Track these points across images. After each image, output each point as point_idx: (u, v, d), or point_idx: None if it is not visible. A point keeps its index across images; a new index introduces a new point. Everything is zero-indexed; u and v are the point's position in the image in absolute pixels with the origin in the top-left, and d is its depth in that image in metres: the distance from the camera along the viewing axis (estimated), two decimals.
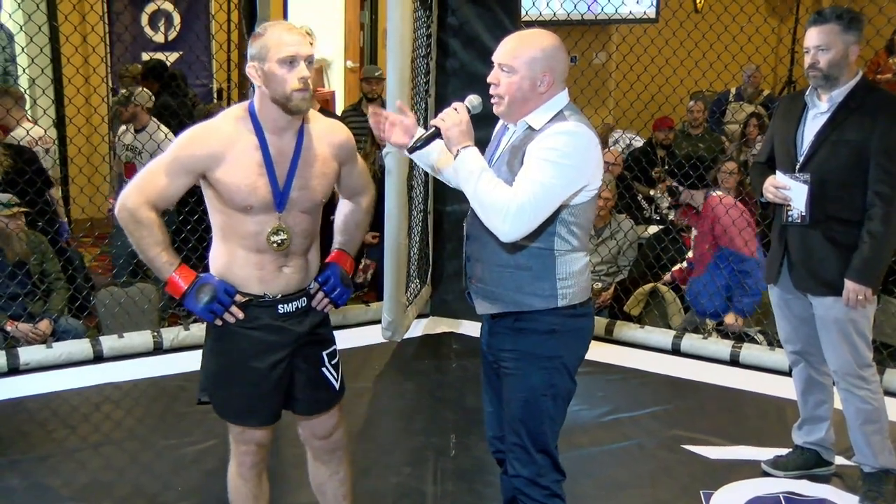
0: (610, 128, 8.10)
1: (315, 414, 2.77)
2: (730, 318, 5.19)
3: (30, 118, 6.37)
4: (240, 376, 2.61)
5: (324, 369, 2.73)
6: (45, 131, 6.10)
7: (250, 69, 2.49)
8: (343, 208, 2.84)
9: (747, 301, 5.17)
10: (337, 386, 2.78)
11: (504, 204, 2.40)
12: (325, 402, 2.78)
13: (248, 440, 2.69)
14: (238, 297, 2.56)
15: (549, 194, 2.41)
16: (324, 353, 2.73)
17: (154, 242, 2.51)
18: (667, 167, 7.30)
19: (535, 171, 2.41)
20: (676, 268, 5.68)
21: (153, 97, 6.03)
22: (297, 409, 2.76)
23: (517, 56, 2.50)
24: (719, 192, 5.39)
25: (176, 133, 5.76)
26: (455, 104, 2.55)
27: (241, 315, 2.56)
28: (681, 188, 5.20)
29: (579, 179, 2.47)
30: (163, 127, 6.01)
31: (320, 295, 2.70)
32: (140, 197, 2.49)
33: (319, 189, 2.60)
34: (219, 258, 2.61)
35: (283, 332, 2.61)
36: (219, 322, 2.57)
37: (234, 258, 2.57)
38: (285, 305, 2.61)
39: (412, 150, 2.63)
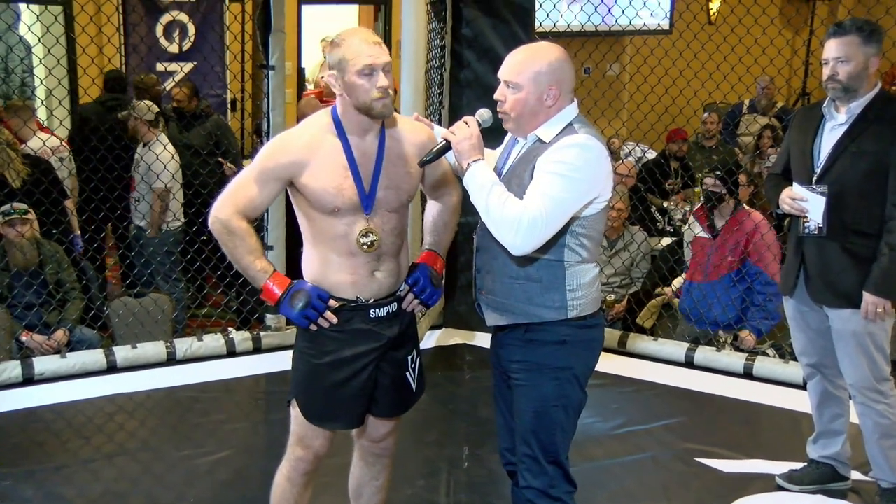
0: (622, 140, 8.10)
1: (394, 416, 2.81)
2: (745, 335, 5.14)
3: (45, 128, 6.40)
4: (329, 379, 2.63)
5: (406, 373, 2.77)
6: (62, 142, 6.13)
7: (330, 78, 2.55)
8: (431, 208, 2.84)
9: (766, 324, 5.11)
10: (415, 388, 2.81)
11: (516, 218, 2.40)
12: (404, 405, 2.82)
13: (309, 445, 2.71)
14: (332, 303, 2.59)
15: (559, 208, 2.41)
16: (408, 357, 2.77)
17: (247, 251, 2.56)
18: (680, 179, 7.28)
19: (546, 184, 2.41)
20: (678, 285, 5.59)
21: (151, 109, 6.06)
22: (377, 411, 2.78)
23: (522, 72, 2.50)
24: (749, 208, 5.33)
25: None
26: (466, 118, 2.56)
27: (334, 320, 2.59)
28: (724, 193, 5.15)
29: (590, 192, 2.47)
30: (169, 147, 6.00)
31: (410, 296, 2.71)
32: (231, 208, 2.56)
33: (405, 188, 2.63)
34: (311, 264, 2.64)
35: (374, 336, 2.64)
36: (313, 327, 2.60)
37: (328, 264, 2.60)
38: (378, 310, 2.64)
39: (423, 163, 2.63)
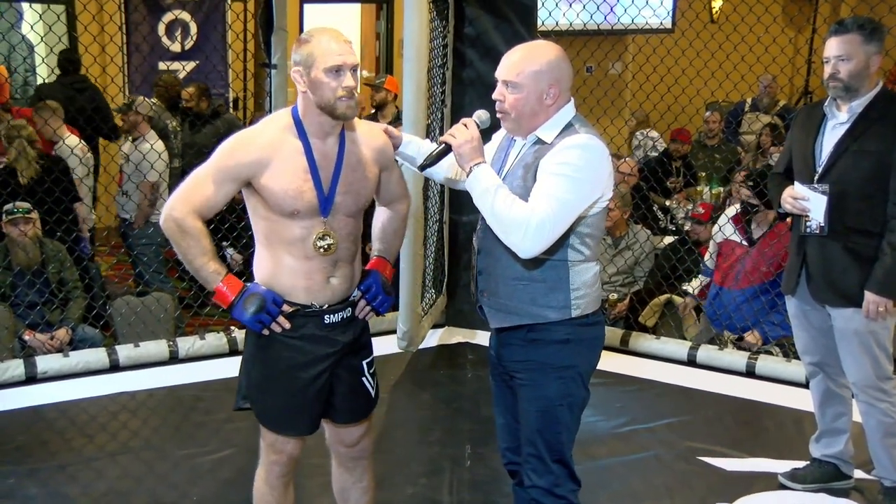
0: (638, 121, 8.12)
1: (353, 422, 2.79)
2: (751, 338, 5.13)
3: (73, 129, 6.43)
4: (283, 386, 2.61)
5: (363, 378, 2.74)
6: (80, 140, 6.14)
7: (295, 74, 2.51)
8: (381, 215, 2.83)
9: (776, 330, 5.05)
10: (373, 394, 2.79)
11: (523, 221, 2.40)
12: (363, 411, 2.79)
13: (280, 450, 2.70)
14: (285, 308, 2.56)
15: (566, 209, 2.41)
16: (363, 363, 2.75)
17: (201, 252, 2.52)
18: (682, 178, 7.28)
19: (551, 186, 2.41)
20: (698, 288, 5.49)
21: (153, 106, 6.08)
22: (335, 417, 2.76)
23: (521, 72, 2.49)
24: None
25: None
26: (464, 120, 2.55)
27: (287, 325, 2.56)
28: (759, 205, 5.07)
29: (594, 192, 2.47)
30: (157, 144, 6.01)
31: (363, 303, 2.69)
32: (186, 206, 2.50)
33: (363, 193, 2.61)
34: (264, 266, 2.61)
35: (328, 342, 2.62)
36: (266, 332, 2.57)
37: (281, 267, 2.57)
38: (331, 316, 2.61)
39: (423, 167, 2.62)
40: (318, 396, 2.65)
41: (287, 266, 2.56)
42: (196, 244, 2.50)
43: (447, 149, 2.54)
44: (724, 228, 5.28)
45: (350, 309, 2.66)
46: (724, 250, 5.27)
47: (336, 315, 2.62)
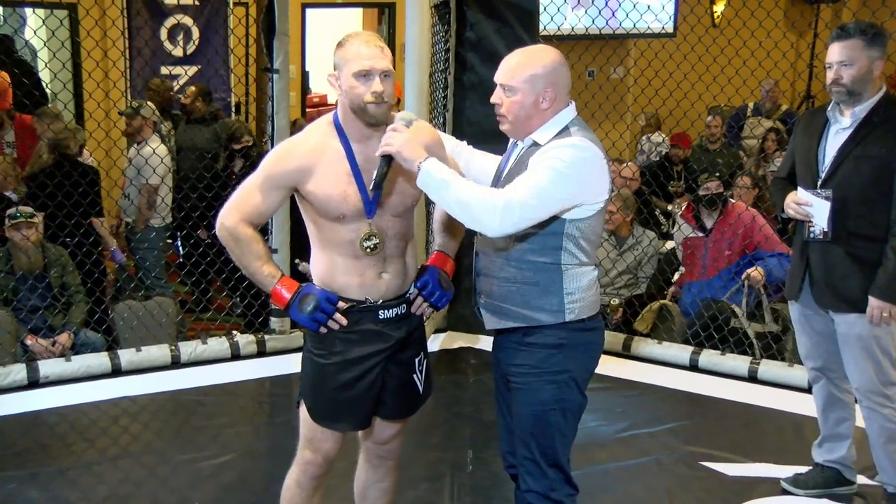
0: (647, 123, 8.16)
1: (401, 418, 2.81)
2: (753, 272, 5.09)
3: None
4: (337, 380, 2.63)
5: (414, 375, 2.76)
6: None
7: (330, 78, 2.55)
8: (439, 210, 2.81)
9: (779, 269, 5.05)
10: (422, 390, 2.81)
11: (492, 199, 2.40)
12: (411, 407, 2.81)
13: (318, 448, 2.70)
14: (340, 304, 2.58)
15: (542, 197, 2.40)
16: (416, 359, 2.76)
17: (255, 257, 2.57)
18: (684, 182, 7.28)
19: (534, 174, 2.42)
20: (675, 280, 5.71)
21: (155, 111, 6.08)
22: (384, 413, 2.77)
23: (517, 75, 2.51)
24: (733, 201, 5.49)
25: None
26: (392, 125, 2.49)
27: (344, 322, 2.59)
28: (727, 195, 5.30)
29: (579, 192, 2.46)
30: (159, 148, 6.03)
31: (419, 300, 2.70)
32: (237, 215, 2.56)
33: (409, 192, 2.61)
34: (319, 267, 2.64)
35: (382, 338, 2.64)
36: (323, 330, 2.59)
37: (335, 266, 2.60)
38: (386, 311, 2.63)
39: (375, 187, 2.53)
40: (370, 391, 2.66)
41: (340, 265, 2.59)
42: (249, 250, 2.56)
43: (389, 159, 2.49)
44: (684, 228, 5.51)
45: (405, 305, 2.68)
46: (685, 249, 5.48)
47: (391, 311, 2.64)
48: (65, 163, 5.56)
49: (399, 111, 2.58)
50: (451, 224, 2.79)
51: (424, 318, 2.78)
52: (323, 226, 2.58)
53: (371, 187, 2.51)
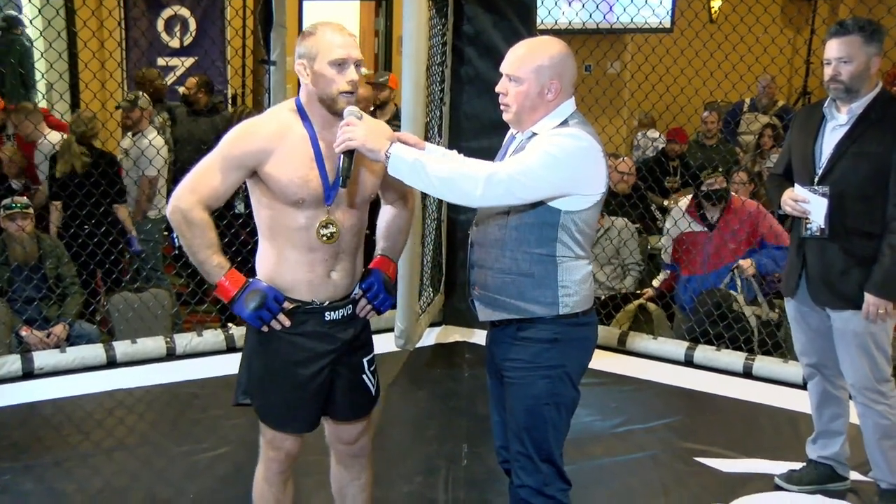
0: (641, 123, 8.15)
1: (353, 420, 2.78)
2: (745, 263, 5.18)
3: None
4: (283, 382, 2.61)
5: (363, 376, 2.74)
6: (63, 135, 6.14)
7: (298, 66, 2.51)
8: (385, 213, 2.81)
9: (770, 263, 5.15)
10: (374, 392, 2.79)
11: (474, 170, 2.40)
12: (363, 408, 2.79)
13: (279, 447, 2.70)
14: (286, 304, 2.55)
15: (530, 176, 2.39)
16: (364, 360, 2.74)
17: (205, 244, 2.50)
18: (680, 177, 7.28)
19: (527, 155, 2.43)
20: (660, 281, 5.71)
21: (151, 102, 6.08)
22: (336, 415, 2.75)
23: (524, 66, 2.51)
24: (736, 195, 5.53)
25: None
26: (345, 121, 2.45)
27: (287, 323, 2.56)
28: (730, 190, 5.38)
29: (569, 183, 2.45)
30: (156, 139, 6.03)
31: (363, 302, 2.68)
32: (193, 196, 2.48)
33: (367, 184, 2.60)
34: (267, 260, 2.60)
35: (328, 339, 2.61)
36: (265, 329, 2.56)
37: (283, 260, 2.56)
38: (332, 313, 2.61)
39: (343, 183, 2.49)
40: (318, 394, 2.64)
41: (289, 259, 2.55)
42: (202, 236, 2.49)
43: (352, 153, 2.45)
44: (680, 223, 5.52)
45: (351, 306, 2.66)
46: (684, 243, 5.49)
47: (337, 312, 2.62)
48: (91, 152, 5.60)
49: (347, 107, 2.50)
50: (396, 228, 2.79)
51: (369, 318, 2.74)
52: (278, 211, 2.52)
53: (340, 184, 2.47)
